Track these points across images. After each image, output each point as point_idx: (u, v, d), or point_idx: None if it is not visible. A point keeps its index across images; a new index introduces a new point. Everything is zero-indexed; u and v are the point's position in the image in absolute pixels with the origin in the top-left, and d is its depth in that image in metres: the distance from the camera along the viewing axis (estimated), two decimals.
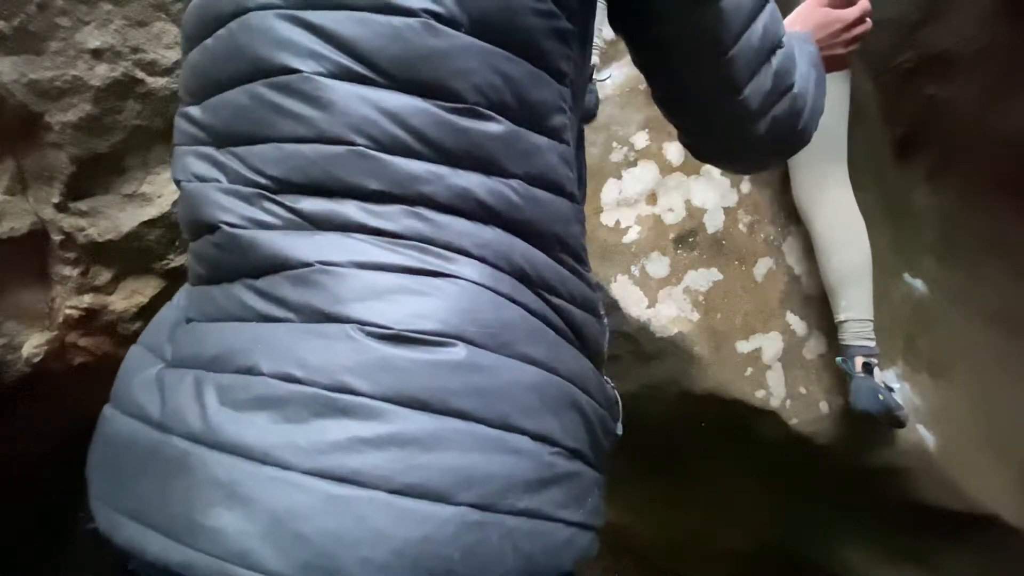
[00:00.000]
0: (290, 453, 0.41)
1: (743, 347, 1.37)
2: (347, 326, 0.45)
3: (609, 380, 0.62)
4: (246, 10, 0.51)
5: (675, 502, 1.65)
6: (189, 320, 0.55)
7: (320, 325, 0.46)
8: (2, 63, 1.10)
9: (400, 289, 0.46)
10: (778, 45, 0.61)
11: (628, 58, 1.58)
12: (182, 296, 0.61)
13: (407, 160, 0.48)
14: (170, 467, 0.45)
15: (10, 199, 1.17)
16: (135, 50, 1.16)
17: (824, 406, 1.38)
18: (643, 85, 1.63)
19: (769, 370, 1.37)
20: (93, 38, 1.13)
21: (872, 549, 1.54)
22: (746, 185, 1.44)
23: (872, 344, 1.31)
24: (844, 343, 1.33)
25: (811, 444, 1.38)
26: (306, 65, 0.48)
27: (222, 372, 0.47)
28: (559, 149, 0.54)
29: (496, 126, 0.50)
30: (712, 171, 1.44)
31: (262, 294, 0.48)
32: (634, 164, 1.47)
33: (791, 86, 0.63)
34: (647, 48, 0.63)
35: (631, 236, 1.44)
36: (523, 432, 0.46)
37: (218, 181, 0.52)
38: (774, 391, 1.36)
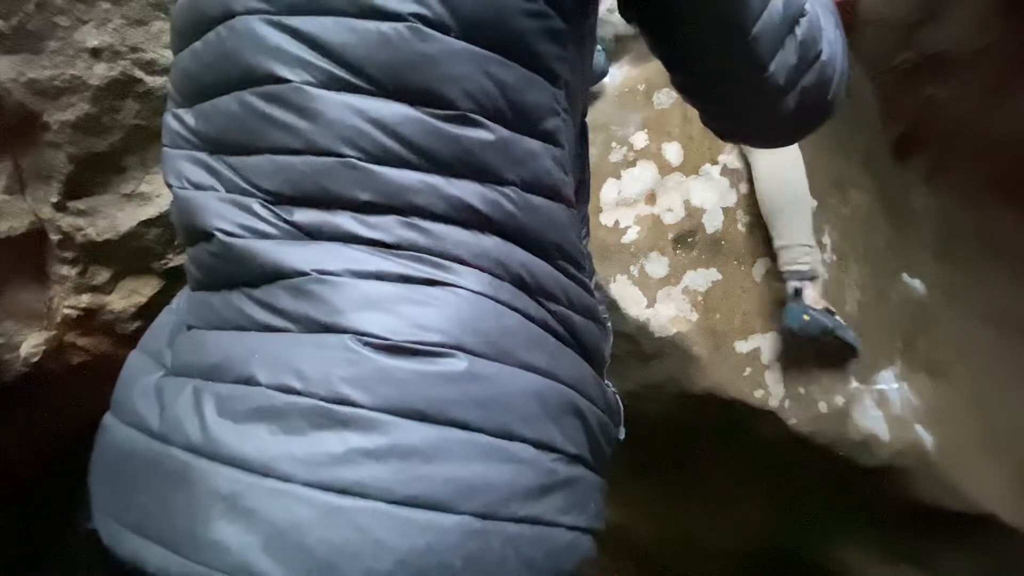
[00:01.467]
0: (290, 465, 0.41)
1: (742, 347, 1.37)
2: (345, 336, 0.44)
3: (611, 385, 0.61)
4: (233, 14, 0.50)
5: (674, 502, 1.65)
6: (190, 327, 0.54)
7: (318, 335, 0.45)
8: (0, 62, 1.09)
9: (398, 299, 0.46)
10: (800, 14, 0.57)
11: (628, 58, 1.59)
12: (182, 299, 0.60)
13: (398, 171, 0.47)
14: (172, 479, 0.45)
15: (8, 199, 1.16)
16: (134, 49, 1.16)
17: (823, 406, 1.38)
18: (642, 85, 1.63)
19: (768, 370, 1.37)
20: (92, 37, 1.12)
21: (870, 548, 1.54)
22: (745, 185, 1.44)
23: (806, 268, 1.31)
24: (781, 269, 1.34)
25: (809, 444, 1.38)
26: (295, 75, 0.47)
27: (220, 382, 0.47)
28: (553, 153, 0.53)
29: (488, 133, 0.49)
30: (711, 171, 1.44)
31: (260, 304, 0.48)
32: (633, 164, 1.47)
33: (818, 55, 0.58)
34: (665, 39, 0.61)
35: (630, 236, 1.44)
36: (524, 440, 0.46)
37: (215, 190, 0.51)
38: (772, 391, 1.36)
